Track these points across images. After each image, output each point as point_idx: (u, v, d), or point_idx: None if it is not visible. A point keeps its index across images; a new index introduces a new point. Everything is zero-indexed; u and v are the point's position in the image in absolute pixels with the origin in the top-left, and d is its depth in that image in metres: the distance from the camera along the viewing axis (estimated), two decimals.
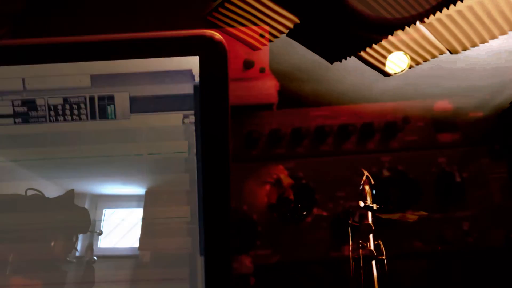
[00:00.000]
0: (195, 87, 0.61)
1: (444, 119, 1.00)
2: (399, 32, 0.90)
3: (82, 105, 0.67)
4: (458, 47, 0.93)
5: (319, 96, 1.02)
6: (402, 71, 0.98)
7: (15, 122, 0.68)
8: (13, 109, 0.68)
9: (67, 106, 0.68)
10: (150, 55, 0.61)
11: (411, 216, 0.94)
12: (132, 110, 0.66)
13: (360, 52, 0.95)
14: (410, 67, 0.97)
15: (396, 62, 0.97)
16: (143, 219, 0.69)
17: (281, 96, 0.98)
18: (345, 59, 0.97)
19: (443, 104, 1.00)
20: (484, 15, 0.87)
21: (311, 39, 0.98)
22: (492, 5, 0.85)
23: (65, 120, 0.67)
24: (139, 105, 0.66)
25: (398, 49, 0.93)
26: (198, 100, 0.61)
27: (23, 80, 0.67)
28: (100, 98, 0.67)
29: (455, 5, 0.84)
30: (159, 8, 0.99)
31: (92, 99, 0.66)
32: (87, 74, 0.66)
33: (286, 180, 1.08)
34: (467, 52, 0.94)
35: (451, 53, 0.94)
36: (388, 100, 1.00)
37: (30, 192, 0.73)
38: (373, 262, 0.86)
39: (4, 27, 1.01)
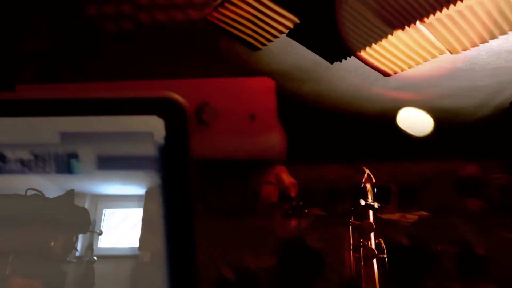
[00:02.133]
0: (157, 147, 0.64)
1: (471, 184, 0.95)
2: (399, 32, 0.90)
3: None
4: (458, 47, 0.93)
5: (318, 96, 1.02)
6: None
7: None
8: None
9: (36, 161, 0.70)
10: (116, 114, 0.65)
11: (411, 216, 0.94)
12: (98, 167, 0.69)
13: (360, 52, 0.96)
14: (410, 67, 0.97)
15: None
16: None
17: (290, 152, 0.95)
18: (345, 59, 0.97)
19: (471, 169, 0.97)
20: (484, 15, 0.87)
21: (311, 39, 0.98)
22: (492, 5, 0.85)
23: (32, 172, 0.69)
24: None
25: (398, 49, 0.93)
26: (161, 161, 0.64)
27: None
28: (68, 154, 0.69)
29: (455, 5, 0.84)
30: (171, 55, 0.99)
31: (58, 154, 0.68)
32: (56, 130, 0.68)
33: (288, 179, 1.08)
34: (467, 52, 0.94)
35: (451, 53, 0.94)
36: (388, 100, 0.99)
37: (30, 192, 0.73)
38: (374, 261, 0.86)
39: (29, 66, 1.03)
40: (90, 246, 0.72)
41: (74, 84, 0.92)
